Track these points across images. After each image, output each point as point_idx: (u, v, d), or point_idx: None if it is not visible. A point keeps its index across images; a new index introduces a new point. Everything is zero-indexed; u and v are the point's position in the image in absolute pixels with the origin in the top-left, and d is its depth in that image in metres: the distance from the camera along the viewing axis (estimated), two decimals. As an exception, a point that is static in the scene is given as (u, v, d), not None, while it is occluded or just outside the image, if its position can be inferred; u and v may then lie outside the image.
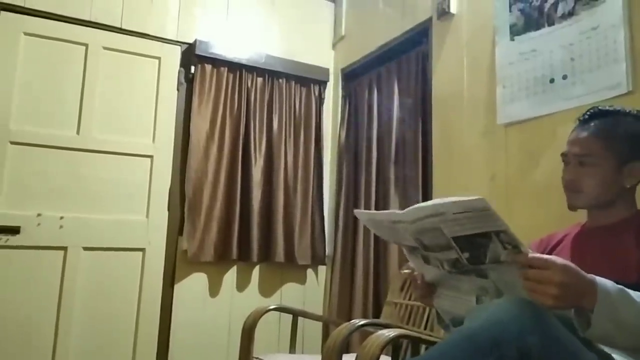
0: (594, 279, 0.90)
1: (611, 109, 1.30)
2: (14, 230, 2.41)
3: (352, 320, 1.67)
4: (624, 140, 1.24)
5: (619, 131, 1.25)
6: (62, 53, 2.61)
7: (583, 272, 0.90)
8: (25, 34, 2.55)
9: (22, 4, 2.54)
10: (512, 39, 2.09)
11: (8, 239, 2.40)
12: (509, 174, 2.02)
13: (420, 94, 2.59)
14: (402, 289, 2.26)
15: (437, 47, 2.50)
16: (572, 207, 1.32)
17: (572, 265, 0.89)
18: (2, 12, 2.51)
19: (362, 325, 1.69)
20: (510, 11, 2.11)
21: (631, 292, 0.92)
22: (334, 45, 3.41)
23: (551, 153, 1.83)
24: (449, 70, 2.41)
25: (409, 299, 2.20)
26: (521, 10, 2.08)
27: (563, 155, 1.33)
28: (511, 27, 2.10)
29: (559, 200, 1.41)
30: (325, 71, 3.30)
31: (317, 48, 3.34)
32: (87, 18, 2.66)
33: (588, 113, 1.31)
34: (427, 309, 2.06)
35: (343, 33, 3.33)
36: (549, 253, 1.35)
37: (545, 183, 1.84)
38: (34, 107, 2.54)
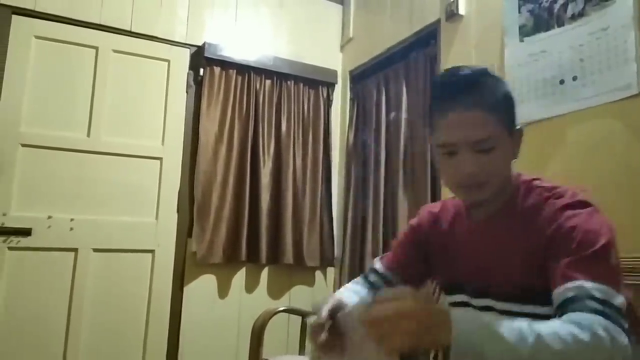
0: (447, 309, 0.77)
1: (472, 72, 1.05)
2: (25, 232, 2.43)
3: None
4: (503, 105, 1.04)
5: (498, 97, 1.03)
6: (72, 56, 2.64)
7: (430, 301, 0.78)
8: (36, 37, 2.57)
9: (32, 8, 2.57)
10: (521, 40, 2.08)
11: (19, 241, 2.42)
12: (518, 176, 2.01)
13: (429, 96, 2.59)
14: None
15: (446, 48, 2.49)
16: (475, 205, 1.10)
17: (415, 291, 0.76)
18: (14, 15, 2.54)
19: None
20: (519, 12, 2.11)
21: (500, 321, 0.77)
22: (341, 47, 3.42)
23: (561, 154, 1.82)
24: (457, 72, 2.40)
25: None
26: (530, 12, 2.07)
27: (445, 145, 1.03)
28: (520, 28, 2.09)
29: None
30: (333, 73, 3.30)
31: (325, 50, 3.35)
32: (97, 21, 2.68)
33: (455, 87, 1.02)
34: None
35: (351, 35, 3.33)
36: (442, 244, 1.21)
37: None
38: (45, 109, 2.56)
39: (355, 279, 1.35)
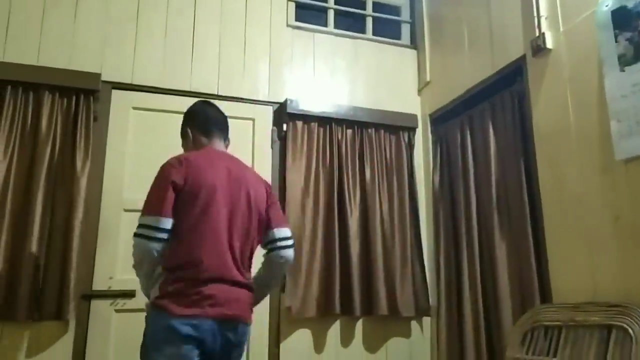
0: None
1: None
2: (130, 294, 2.52)
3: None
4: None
5: None
6: (166, 122, 2.77)
7: None
8: (134, 108, 2.75)
9: (130, 82, 2.75)
10: (622, 70, 1.97)
11: (125, 303, 2.52)
12: (636, 214, 1.86)
13: (520, 134, 2.49)
14: (522, 342, 2.11)
15: (535, 84, 2.41)
16: None
17: None
18: (114, 90, 2.73)
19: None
20: (616, 41, 2.01)
21: None
22: (419, 91, 3.40)
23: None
24: (551, 108, 2.30)
25: (532, 354, 2.05)
26: (629, 40, 1.96)
27: None
28: (620, 57, 1.99)
29: None
30: (413, 117, 3.28)
31: (402, 95, 3.35)
32: (187, 89, 2.84)
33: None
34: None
35: (428, 78, 3.32)
36: None
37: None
38: (143, 174, 2.67)
39: None
